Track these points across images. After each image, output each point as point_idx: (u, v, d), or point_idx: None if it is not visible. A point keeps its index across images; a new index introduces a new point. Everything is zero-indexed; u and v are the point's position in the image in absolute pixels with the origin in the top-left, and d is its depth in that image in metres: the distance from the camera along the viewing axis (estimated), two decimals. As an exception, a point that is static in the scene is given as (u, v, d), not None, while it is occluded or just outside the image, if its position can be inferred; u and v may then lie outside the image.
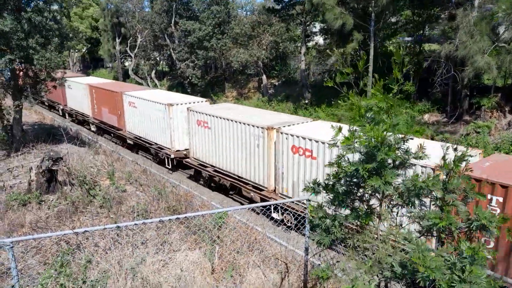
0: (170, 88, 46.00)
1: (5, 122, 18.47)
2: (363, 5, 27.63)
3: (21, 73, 17.99)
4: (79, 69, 67.10)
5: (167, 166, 20.71)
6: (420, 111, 26.41)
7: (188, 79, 40.90)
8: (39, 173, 12.02)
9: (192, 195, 14.29)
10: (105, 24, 54.35)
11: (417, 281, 3.40)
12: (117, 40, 53.15)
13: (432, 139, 22.09)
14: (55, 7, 18.24)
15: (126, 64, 56.39)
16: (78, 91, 30.32)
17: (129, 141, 24.51)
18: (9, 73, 17.57)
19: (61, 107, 35.26)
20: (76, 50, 61.37)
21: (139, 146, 24.00)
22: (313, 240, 4.36)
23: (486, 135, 21.21)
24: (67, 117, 34.48)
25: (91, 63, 70.31)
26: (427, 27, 30.26)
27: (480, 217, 3.56)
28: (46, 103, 39.12)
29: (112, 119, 25.74)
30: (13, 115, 18.39)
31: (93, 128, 29.43)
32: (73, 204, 11.00)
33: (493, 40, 20.86)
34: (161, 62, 52.32)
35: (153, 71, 48.13)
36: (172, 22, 41.81)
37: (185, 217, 6.32)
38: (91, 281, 5.48)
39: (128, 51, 49.92)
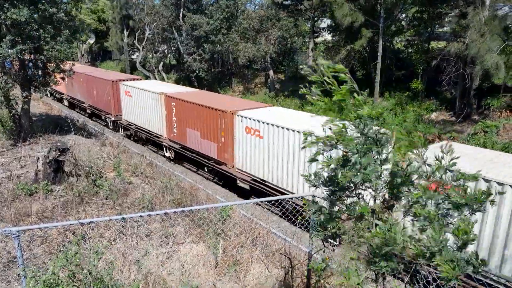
0: (177, 82, 46.05)
1: (13, 112, 18.61)
2: (372, 2, 27.44)
3: (31, 63, 18.10)
4: (87, 61, 67.33)
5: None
6: (427, 109, 26.23)
7: (195, 73, 40.91)
8: (46, 163, 12.11)
9: (196, 188, 14.34)
10: (114, 16, 54.41)
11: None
12: (125, 33, 53.19)
13: (439, 138, 21.96)
14: None
15: (134, 56, 56.50)
16: (144, 101, 22.70)
17: (241, 184, 16.21)
18: (14, 63, 17.66)
19: (112, 119, 27.19)
20: (83, 42, 61.56)
21: (260, 192, 15.17)
22: (312, 236, 4.37)
23: (494, 135, 21.03)
24: (121, 131, 26.73)
25: (99, 55, 70.53)
26: (436, 25, 29.98)
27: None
28: (89, 110, 31.54)
29: (207, 147, 17.80)
30: (21, 105, 18.52)
31: (168, 153, 21.49)
32: (79, 195, 11.08)
33: (504, 39, 20.65)
34: (169, 55, 52.33)
35: (161, 64, 48.16)
36: (180, 15, 41.76)
37: (190, 210, 6.33)
38: (98, 272, 5.52)
39: (136, 44, 49.96)
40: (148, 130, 22.87)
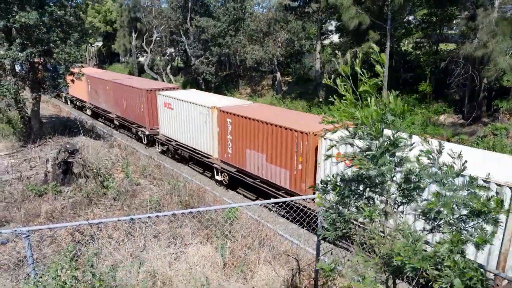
0: (184, 84, 46.27)
1: (23, 114, 18.83)
2: (379, 4, 27.38)
3: (40, 66, 18.31)
4: (95, 64, 67.95)
5: None
6: (436, 111, 26.06)
7: (202, 76, 41.10)
8: (55, 164, 12.24)
9: (204, 190, 14.37)
10: (122, 19, 54.88)
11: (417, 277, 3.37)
12: (133, 35, 53.62)
13: (448, 140, 21.79)
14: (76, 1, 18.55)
15: (141, 59, 56.91)
16: (189, 114, 19.35)
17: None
18: (26, 66, 17.88)
19: (146, 133, 24.15)
20: (92, 45, 62.20)
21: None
22: (319, 234, 4.36)
23: (504, 137, 20.82)
24: (158, 147, 23.46)
25: (107, 58, 71.16)
26: (444, 26, 29.82)
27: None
28: (116, 122, 28.66)
29: (276, 174, 14.77)
30: (31, 107, 18.74)
31: (220, 177, 18.16)
32: (87, 196, 11.17)
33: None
34: (176, 58, 52.66)
35: (168, 67, 48.45)
36: (188, 19, 42.01)
37: (198, 211, 6.36)
38: (99, 274, 5.56)
39: (144, 46, 50.33)
40: (193, 149, 19.59)
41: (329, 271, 4.31)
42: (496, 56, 19.81)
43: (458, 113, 25.51)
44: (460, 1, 24.77)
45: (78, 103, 36.45)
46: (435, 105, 26.62)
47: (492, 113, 23.51)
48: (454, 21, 29.01)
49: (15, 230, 5.34)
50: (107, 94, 28.96)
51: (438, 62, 27.88)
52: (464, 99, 24.93)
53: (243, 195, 17.74)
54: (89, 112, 33.84)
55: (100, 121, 31.69)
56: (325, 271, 4.41)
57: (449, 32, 31.86)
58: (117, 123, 28.61)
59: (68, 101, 39.14)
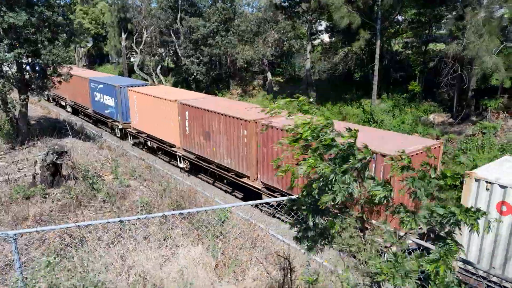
0: (175, 84, 46.02)
1: (11, 115, 18.55)
2: (370, 4, 27.56)
3: (28, 67, 18.06)
4: (84, 64, 67.30)
5: None
6: (426, 111, 26.29)
7: (193, 76, 40.92)
8: (43, 166, 12.05)
9: (195, 191, 14.28)
10: (112, 20, 54.47)
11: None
12: (123, 36, 53.21)
13: (437, 139, 21.97)
14: (63, 1, 18.34)
15: (132, 59, 56.53)
16: None
17: None
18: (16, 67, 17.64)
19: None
20: (82, 46, 61.56)
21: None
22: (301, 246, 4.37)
23: (492, 136, 21.07)
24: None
25: (97, 59, 70.59)
26: (433, 26, 30.10)
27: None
28: (267, 195, 15.58)
29: None
30: (19, 108, 18.47)
31: None
32: (76, 198, 11.02)
33: (501, 40, 20.76)
34: (167, 58, 52.40)
35: (159, 67, 48.19)
36: (178, 19, 41.81)
37: (188, 212, 6.31)
38: (90, 279, 5.49)
39: (134, 47, 49.99)
40: None
41: (311, 283, 4.30)
42: (482, 55, 20.07)
43: (447, 112, 25.77)
44: (449, 1, 25.03)
45: (151, 143, 23.62)
46: (425, 104, 26.86)
47: (480, 112, 23.79)
48: (443, 21, 29.31)
49: (2, 234, 5.24)
50: (238, 143, 16.79)
51: (427, 61, 28.14)
52: (453, 98, 25.18)
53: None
54: (182, 164, 20.96)
55: (216, 185, 19.58)
56: (308, 282, 4.41)
57: (439, 32, 32.17)
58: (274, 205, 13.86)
59: (130, 137, 26.09)
